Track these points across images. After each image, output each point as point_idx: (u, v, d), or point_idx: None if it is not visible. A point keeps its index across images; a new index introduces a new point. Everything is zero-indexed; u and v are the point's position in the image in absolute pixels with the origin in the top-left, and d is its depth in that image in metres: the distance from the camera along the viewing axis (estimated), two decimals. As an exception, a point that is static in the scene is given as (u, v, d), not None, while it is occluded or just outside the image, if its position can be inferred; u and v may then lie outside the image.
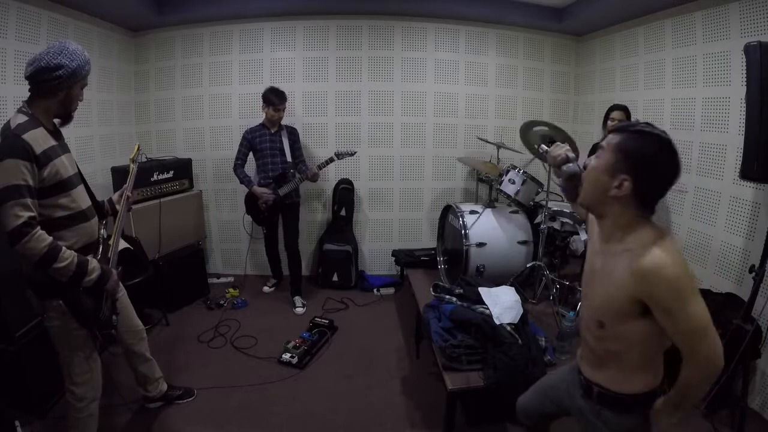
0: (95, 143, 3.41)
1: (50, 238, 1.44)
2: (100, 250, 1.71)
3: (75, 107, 1.57)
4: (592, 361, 1.23)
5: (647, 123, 1.06)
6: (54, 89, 1.47)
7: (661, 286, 0.99)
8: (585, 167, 1.16)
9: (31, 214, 1.40)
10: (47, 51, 1.45)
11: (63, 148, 1.59)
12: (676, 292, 1.00)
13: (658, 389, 1.17)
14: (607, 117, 2.97)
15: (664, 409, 1.14)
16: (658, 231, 1.06)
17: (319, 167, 3.29)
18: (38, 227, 1.42)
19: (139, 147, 2.04)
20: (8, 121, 1.45)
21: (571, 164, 1.19)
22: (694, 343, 1.03)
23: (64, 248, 1.48)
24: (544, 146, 1.38)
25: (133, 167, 1.96)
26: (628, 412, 1.17)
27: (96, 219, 1.73)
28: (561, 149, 1.22)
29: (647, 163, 1.02)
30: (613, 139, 1.08)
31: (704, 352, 1.02)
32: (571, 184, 1.18)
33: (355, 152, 3.40)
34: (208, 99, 3.91)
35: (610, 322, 1.11)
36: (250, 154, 3.38)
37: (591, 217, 1.25)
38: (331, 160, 3.29)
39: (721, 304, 2.25)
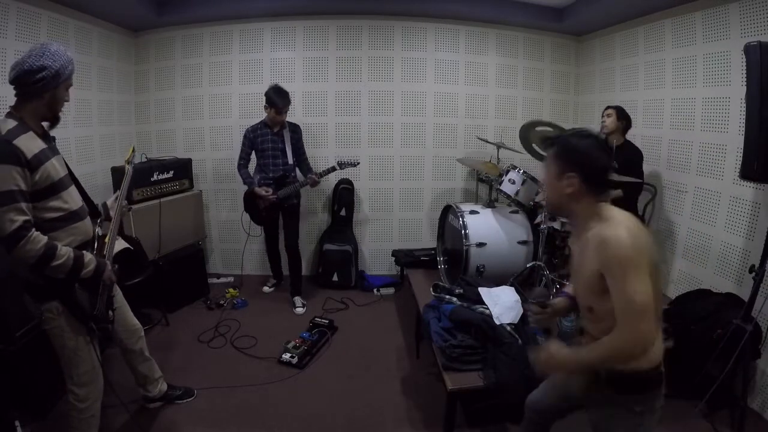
0: (95, 143, 3.41)
1: (45, 239, 1.46)
2: (95, 247, 1.71)
3: (60, 108, 1.57)
4: None
5: (573, 129, 1.30)
6: (39, 91, 1.47)
7: (609, 253, 1.10)
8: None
9: (26, 217, 1.41)
10: (29, 54, 1.46)
11: (53, 150, 1.59)
12: (622, 262, 1.09)
13: (661, 366, 1.21)
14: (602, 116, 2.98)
15: (566, 354, 1.21)
16: (618, 212, 1.19)
17: (320, 175, 3.27)
18: (33, 229, 1.43)
19: (134, 149, 2.04)
20: None
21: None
22: (624, 316, 1.10)
23: (59, 246, 1.50)
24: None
25: (128, 169, 1.95)
26: (636, 392, 1.20)
27: (89, 218, 1.74)
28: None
29: (580, 154, 1.20)
30: (550, 152, 1.28)
31: (629, 330, 1.09)
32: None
33: (358, 163, 3.38)
34: (208, 99, 3.91)
35: (595, 304, 1.20)
36: (253, 153, 3.36)
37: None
38: (333, 169, 3.27)
39: (721, 304, 2.25)
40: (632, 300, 1.08)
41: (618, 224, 1.13)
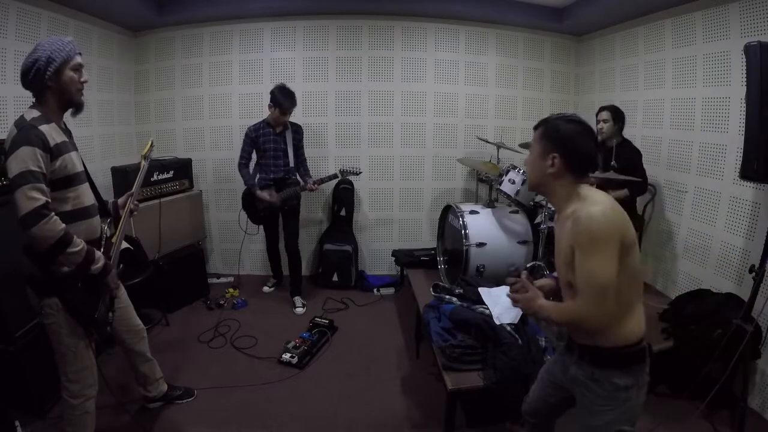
0: (95, 143, 3.41)
1: (63, 224, 1.47)
2: (102, 247, 1.71)
3: (76, 90, 1.57)
4: None
5: (559, 113, 1.32)
6: (41, 82, 1.49)
7: (580, 228, 1.15)
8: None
9: (47, 198, 1.44)
10: (25, 57, 1.50)
11: (72, 145, 1.64)
12: (590, 238, 1.13)
13: (644, 341, 1.24)
14: (596, 117, 2.98)
15: (543, 302, 1.29)
16: (596, 193, 1.24)
17: (321, 182, 3.26)
18: (53, 213, 1.45)
19: (152, 143, 1.99)
20: (22, 115, 1.50)
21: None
22: (584, 290, 1.15)
23: (74, 235, 1.51)
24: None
25: (144, 165, 1.94)
26: (620, 368, 1.22)
27: (98, 217, 1.75)
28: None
29: (566, 137, 1.24)
30: (537, 132, 1.32)
31: (586, 303, 1.15)
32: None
33: (361, 172, 3.35)
34: (208, 99, 3.91)
35: (573, 279, 1.22)
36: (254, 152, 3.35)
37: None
38: (335, 176, 3.26)
39: (721, 304, 2.25)
40: (593, 277, 1.12)
41: (593, 203, 1.17)
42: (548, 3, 3.59)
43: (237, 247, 3.90)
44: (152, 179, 3.24)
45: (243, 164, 3.31)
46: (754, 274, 1.95)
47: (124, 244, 1.88)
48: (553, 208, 2.84)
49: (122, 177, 3.03)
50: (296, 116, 3.75)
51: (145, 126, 3.98)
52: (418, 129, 3.97)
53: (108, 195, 2.53)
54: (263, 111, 3.26)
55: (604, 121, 2.86)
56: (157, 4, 3.47)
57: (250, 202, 3.38)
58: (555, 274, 1.48)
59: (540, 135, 1.31)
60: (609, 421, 1.24)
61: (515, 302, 1.34)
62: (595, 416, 1.26)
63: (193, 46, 3.84)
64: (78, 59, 1.55)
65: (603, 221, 1.13)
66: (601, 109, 2.92)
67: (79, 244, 1.52)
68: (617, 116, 2.84)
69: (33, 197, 1.39)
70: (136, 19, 3.60)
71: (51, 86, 1.51)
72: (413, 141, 3.99)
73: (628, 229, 1.18)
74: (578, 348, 1.30)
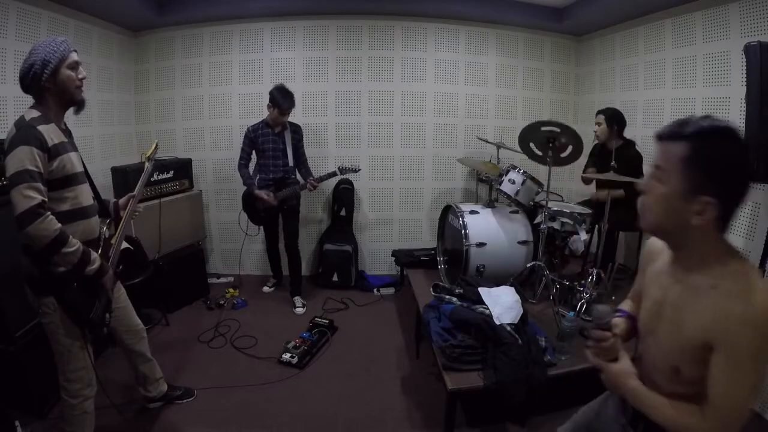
0: (95, 143, 3.41)
1: (59, 224, 1.48)
2: (101, 248, 1.71)
3: (75, 87, 1.57)
4: None
5: (704, 117, 0.83)
6: (39, 84, 1.50)
7: (738, 330, 0.79)
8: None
9: (44, 198, 1.45)
10: (21, 63, 1.50)
11: (72, 145, 1.64)
12: (754, 354, 0.79)
13: None
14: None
15: (633, 383, 0.97)
16: (749, 265, 0.88)
17: (320, 180, 3.26)
18: (48, 212, 1.45)
19: (157, 145, 1.98)
20: (22, 116, 1.51)
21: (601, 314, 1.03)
22: (718, 412, 0.84)
23: (69, 235, 1.52)
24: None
25: (148, 166, 1.94)
26: None
27: (97, 218, 1.75)
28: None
29: (735, 174, 0.82)
30: (675, 150, 0.84)
31: (715, 424, 0.85)
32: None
33: (360, 169, 3.34)
34: (208, 99, 3.91)
35: (686, 368, 0.90)
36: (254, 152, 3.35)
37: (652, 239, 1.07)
38: (334, 174, 3.26)
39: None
40: (740, 402, 0.82)
41: (756, 291, 0.80)
42: (548, 3, 3.59)
43: (237, 247, 3.90)
44: (152, 179, 3.24)
45: (243, 164, 3.31)
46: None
47: (124, 244, 1.88)
48: (553, 208, 2.85)
49: (122, 177, 3.03)
50: (296, 116, 3.76)
51: (145, 126, 3.98)
52: (418, 129, 3.97)
53: (108, 195, 2.53)
54: (263, 111, 3.26)
55: (598, 124, 2.93)
56: (157, 4, 3.47)
57: (250, 202, 3.38)
58: (624, 310, 1.21)
59: (686, 158, 0.83)
60: None
61: (600, 366, 1.02)
62: None
63: (193, 46, 3.84)
64: (74, 57, 1.56)
65: None
66: (597, 112, 2.98)
67: (75, 245, 1.52)
68: (611, 120, 2.89)
69: (29, 196, 1.40)
70: (136, 19, 3.59)
71: (49, 88, 1.52)
72: (413, 141, 3.99)
73: None
74: (645, 424, 1.00)
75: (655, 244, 1.07)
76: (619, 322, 1.13)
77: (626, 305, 1.23)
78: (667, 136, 0.86)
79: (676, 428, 0.90)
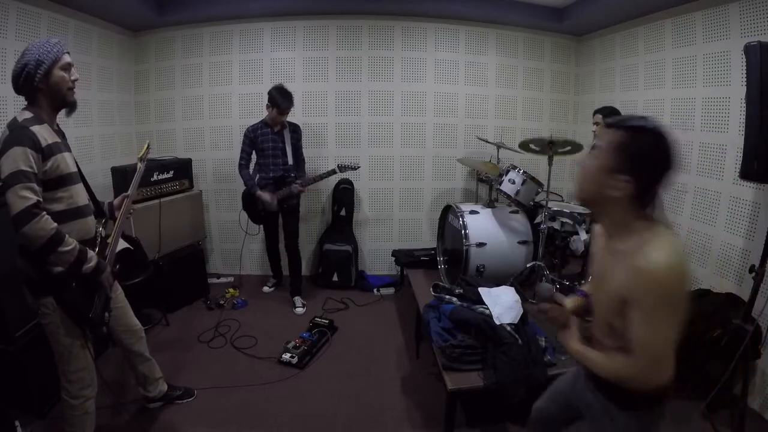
0: (95, 143, 3.41)
1: (55, 223, 1.48)
2: (97, 248, 1.71)
3: (67, 89, 1.57)
4: None
5: (642, 117, 1.03)
6: (32, 84, 1.50)
7: (643, 282, 0.96)
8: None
9: (39, 198, 1.45)
10: (14, 63, 1.52)
11: (65, 146, 1.64)
12: (658, 301, 0.96)
13: (669, 389, 1.11)
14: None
15: (577, 346, 1.19)
16: (661, 230, 1.02)
17: (319, 178, 3.27)
18: (44, 212, 1.46)
19: (149, 145, 2.00)
20: (14, 117, 1.51)
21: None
22: (639, 355, 1.00)
23: (66, 234, 1.52)
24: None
25: (141, 166, 1.94)
26: (637, 410, 1.13)
27: (92, 217, 1.75)
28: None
29: (650, 162, 1.00)
30: (610, 134, 1.04)
31: (640, 370, 1.01)
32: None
33: (359, 167, 3.35)
34: (208, 99, 3.91)
35: (616, 322, 1.07)
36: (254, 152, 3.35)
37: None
38: (333, 172, 3.27)
39: (721, 304, 2.25)
40: (654, 346, 0.98)
41: (660, 249, 0.96)
42: (548, 3, 3.59)
43: (237, 247, 3.90)
44: (152, 179, 3.24)
45: (243, 165, 3.32)
46: (754, 274, 1.95)
47: (125, 244, 1.88)
48: (553, 208, 2.86)
49: (122, 177, 3.03)
50: (296, 116, 3.76)
51: (145, 126, 3.98)
52: (418, 129, 3.97)
53: (108, 195, 2.53)
54: (263, 111, 3.26)
55: (596, 123, 2.92)
56: (157, 4, 3.47)
57: (250, 201, 3.38)
58: (582, 290, 1.39)
59: (615, 144, 1.03)
60: None
61: (552, 322, 1.26)
62: None
63: (193, 46, 3.84)
64: (67, 58, 1.56)
65: (675, 275, 0.95)
66: (595, 111, 2.98)
67: (71, 244, 1.52)
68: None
69: (24, 196, 1.40)
70: (136, 19, 3.60)
71: (42, 88, 1.52)
72: (413, 141, 3.99)
73: (689, 276, 1.06)
74: (600, 380, 1.16)
75: (598, 229, 1.25)
76: (576, 300, 1.34)
77: (586, 287, 1.42)
78: (612, 124, 1.06)
79: (610, 375, 1.08)
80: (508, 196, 2.95)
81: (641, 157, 1.00)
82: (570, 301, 1.33)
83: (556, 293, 1.34)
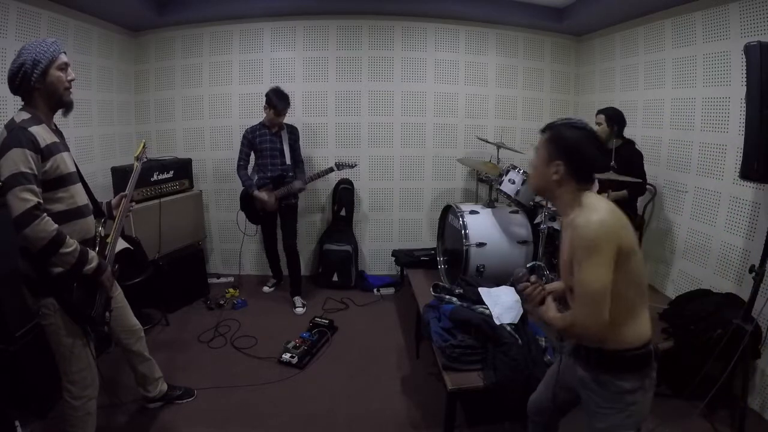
0: (95, 143, 3.41)
1: (56, 225, 1.48)
2: (97, 247, 1.71)
3: (64, 89, 1.56)
4: None
5: (566, 118, 1.32)
6: (29, 84, 1.49)
7: (577, 235, 1.16)
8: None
9: (39, 200, 1.44)
10: (10, 63, 1.50)
11: (64, 146, 1.63)
12: (585, 247, 1.14)
13: (650, 344, 1.23)
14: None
15: (551, 313, 1.31)
16: (597, 200, 1.23)
17: (317, 176, 3.27)
18: (45, 213, 1.45)
19: (144, 144, 2.00)
20: (12, 118, 1.50)
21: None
22: (579, 299, 1.17)
23: (67, 235, 1.51)
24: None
25: (137, 166, 1.94)
26: (624, 371, 1.22)
27: (92, 217, 1.75)
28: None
29: (570, 145, 1.24)
30: (542, 137, 1.32)
31: (581, 313, 1.16)
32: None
33: (356, 165, 3.38)
34: (208, 99, 3.91)
35: (571, 282, 1.22)
36: (252, 154, 3.37)
37: None
38: (331, 170, 3.29)
39: (721, 304, 2.25)
40: (587, 285, 1.13)
41: (591, 211, 1.17)
42: (548, 3, 3.59)
43: (237, 247, 3.90)
44: (152, 179, 3.24)
45: (242, 166, 3.33)
46: (754, 274, 1.95)
47: (125, 244, 1.88)
48: (553, 208, 2.86)
49: (122, 177, 3.03)
50: (296, 116, 3.77)
51: (145, 126, 3.98)
52: (418, 129, 3.97)
53: (108, 195, 2.54)
54: (263, 111, 3.27)
55: (598, 124, 2.93)
56: (157, 4, 3.47)
57: (247, 201, 3.39)
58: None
59: (545, 140, 1.30)
60: (613, 424, 1.24)
61: (526, 301, 1.39)
62: (599, 419, 1.26)
63: (193, 46, 3.84)
64: (63, 58, 1.55)
65: (599, 229, 1.13)
66: (598, 112, 2.98)
67: (72, 245, 1.52)
68: (612, 120, 2.89)
69: (25, 198, 1.40)
70: (136, 19, 3.60)
71: (39, 88, 1.51)
72: (413, 141, 3.99)
73: (627, 235, 1.18)
74: (584, 350, 1.30)
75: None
76: (557, 285, 1.48)
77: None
78: (544, 128, 1.33)
79: (568, 328, 1.23)
80: (508, 196, 2.95)
81: (567, 143, 1.24)
82: (553, 285, 1.48)
83: (528, 272, 1.49)
